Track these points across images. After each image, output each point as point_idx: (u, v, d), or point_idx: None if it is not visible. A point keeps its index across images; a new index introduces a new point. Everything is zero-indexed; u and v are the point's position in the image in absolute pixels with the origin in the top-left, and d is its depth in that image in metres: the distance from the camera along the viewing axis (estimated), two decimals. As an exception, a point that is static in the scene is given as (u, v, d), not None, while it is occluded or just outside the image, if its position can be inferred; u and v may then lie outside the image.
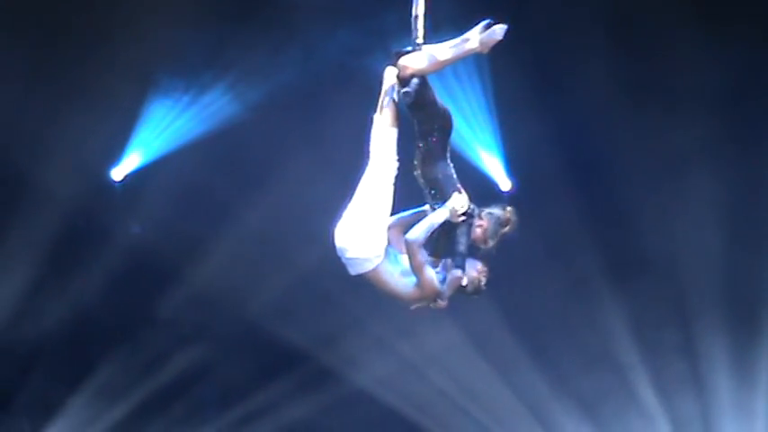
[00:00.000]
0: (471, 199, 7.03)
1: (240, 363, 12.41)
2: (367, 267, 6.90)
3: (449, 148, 7.03)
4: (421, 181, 7.06)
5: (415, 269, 6.94)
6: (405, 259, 6.99)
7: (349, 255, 6.92)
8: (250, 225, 12.17)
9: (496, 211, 7.17)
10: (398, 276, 6.97)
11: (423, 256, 6.92)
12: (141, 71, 11.90)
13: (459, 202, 7.02)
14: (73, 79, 11.52)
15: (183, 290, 12.32)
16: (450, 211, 6.95)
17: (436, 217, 6.92)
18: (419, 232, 6.84)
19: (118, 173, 12.07)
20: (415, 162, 7.06)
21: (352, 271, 6.96)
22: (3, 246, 12.06)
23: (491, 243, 7.09)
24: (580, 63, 11.95)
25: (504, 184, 12.23)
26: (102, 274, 12.14)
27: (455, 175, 7.00)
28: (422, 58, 7.03)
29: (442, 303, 7.06)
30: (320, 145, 11.96)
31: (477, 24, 6.97)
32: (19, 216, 12.01)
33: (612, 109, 11.96)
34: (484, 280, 7.16)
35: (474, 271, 7.10)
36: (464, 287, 7.09)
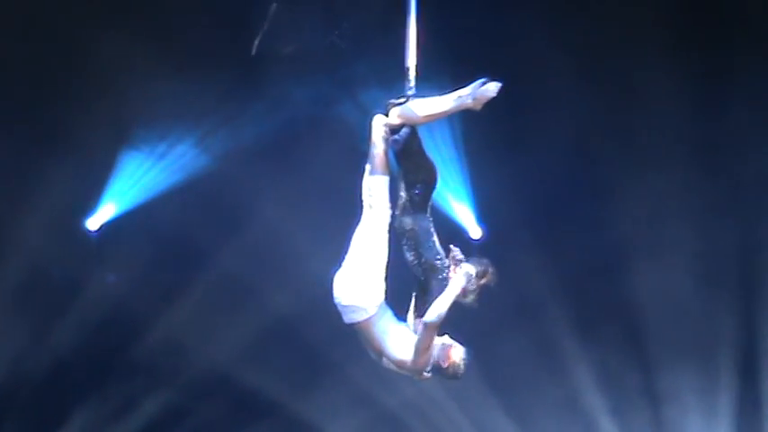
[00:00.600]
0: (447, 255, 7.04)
1: (213, 409, 12.40)
2: (360, 317, 6.94)
3: (430, 203, 7.12)
4: (398, 230, 7.15)
5: (423, 348, 6.97)
6: (403, 329, 7.06)
7: (344, 302, 6.96)
8: (223, 272, 12.25)
9: (471, 266, 7.22)
10: (391, 338, 7.00)
11: (433, 337, 6.99)
12: (114, 124, 12.04)
13: (467, 271, 7.05)
14: (46, 131, 11.67)
15: (157, 336, 12.36)
16: (465, 281, 6.99)
17: (450, 293, 6.94)
18: (440, 312, 6.87)
19: (93, 223, 12.18)
20: (396, 212, 7.16)
21: (346, 319, 7.01)
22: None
23: (471, 297, 7.14)
24: (550, 111, 12.12)
25: (475, 232, 12.40)
26: (77, 323, 12.18)
27: (432, 229, 7.09)
28: (415, 108, 7.16)
29: (427, 376, 7.12)
30: (291, 192, 12.09)
31: (472, 82, 7.13)
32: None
33: (582, 157, 12.15)
34: (462, 364, 7.15)
35: (453, 356, 7.09)
36: (445, 369, 7.10)
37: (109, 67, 11.69)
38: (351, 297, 6.98)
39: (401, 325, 7.09)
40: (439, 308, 6.77)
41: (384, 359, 7.12)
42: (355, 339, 7.08)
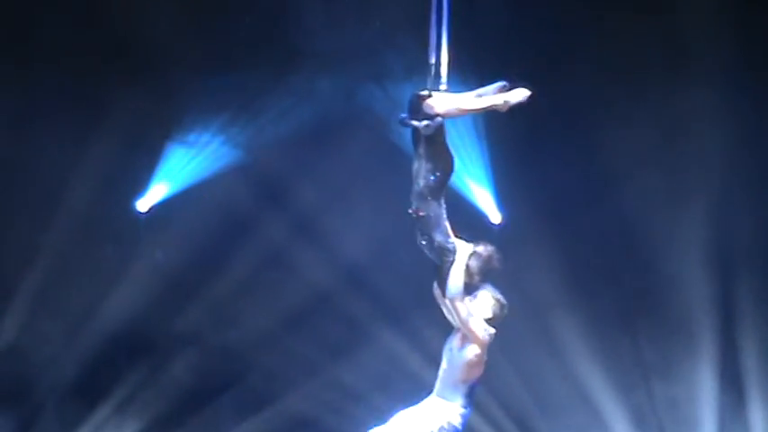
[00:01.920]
0: (458, 236, 7.58)
1: (257, 376, 13.25)
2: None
3: (445, 191, 7.59)
4: (413, 216, 7.59)
5: (463, 322, 7.59)
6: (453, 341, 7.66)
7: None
8: (266, 248, 13.00)
9: (478, 248, 7.77)
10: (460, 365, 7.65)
11: (466, 305, 7.57)
12: (165, 114, 12.85)
13: (465, 249, 7.59)
14: (106, 121, 12.55)
15: (204, 309, 13.16)
16: (468, 256, 7.54)
17: (457, 269, 7.50)
18: (456, 284, 7.46)
19: (142, 204, 13.00)
20: (411, 198, 7.58)
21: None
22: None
23: (476, 279, 7.68)
24: (569, 107, 12.75)
25: (495, 217, 13.06)
26: (127, 297, 13.02)
27: (445, 215, 7.56)
28: (450, 101, 7.70)
29: (491, 331, 7.65)
30: (328, 178, 12.89)
31: (493, 83, 7.72)
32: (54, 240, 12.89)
33: (596, 148, 12.78)
34: (500, 297, 7.75)
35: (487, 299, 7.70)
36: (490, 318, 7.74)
37: (162, 62, 12.55)
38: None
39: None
40: (453, 282, 7.37)
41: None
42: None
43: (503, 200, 13.22)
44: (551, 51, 12.49)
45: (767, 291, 12.87)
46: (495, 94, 7.80)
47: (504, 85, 7.73)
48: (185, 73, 12.78)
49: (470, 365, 7.78)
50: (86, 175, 12.76)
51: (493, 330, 7.68)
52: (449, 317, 7.74)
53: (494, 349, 12.56)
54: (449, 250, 7.58)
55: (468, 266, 7.64)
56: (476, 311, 7.66)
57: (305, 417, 13.28)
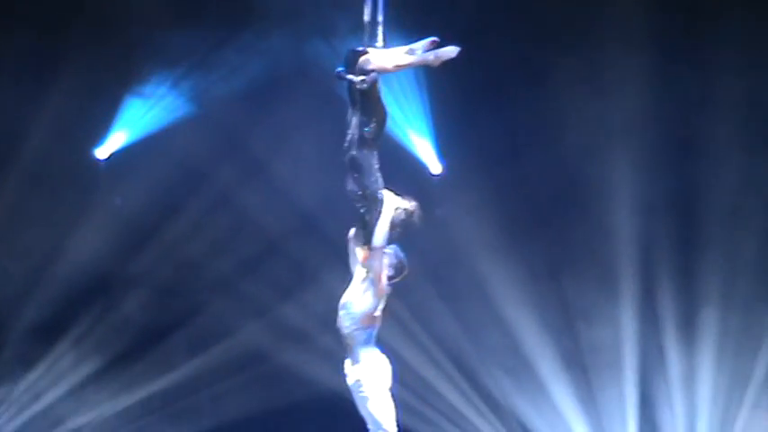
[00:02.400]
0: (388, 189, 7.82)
1: (213, 315, 13.90)
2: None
3: (378, 142, 7.88)
4: (348, 164, 7.91)
5: (377, 272, 7.79)
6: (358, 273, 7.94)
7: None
8: (219, 194, 13.73)
9: (403, 201, 8.03)
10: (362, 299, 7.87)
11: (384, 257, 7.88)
12: (122, 67, 13.50)
13: (393, 201, 7.82)
14: (68, 74, 13.11)
15: (162, 250, 13.83)
16: (394, 210, 7.77)
17: (385, 219, 7.72)
18: (382, 234, 7.68)
19: (102, 152, 13.73)
20: (345, 146, 7.89)
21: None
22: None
23: (397, 231, 7.92)
24: (508, 58, 13.40)
25: (435, 167, 13.79)
26: (87, 239, 13.64)
27: (377, 165, 7.82)
28: (386, 58, 7.91)
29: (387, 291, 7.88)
30: (277, 128, 13.49)
31: (424, 39, 7.91)
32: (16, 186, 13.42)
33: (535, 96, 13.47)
34: (403, 259, 8.01)
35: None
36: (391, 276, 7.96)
37: (124, 17, 13.16)
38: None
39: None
40: (380, 232, 7.63)
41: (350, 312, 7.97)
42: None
43: (442, 151, 13.87)
44: (488, 10, 13.06)
45: (684, 239, 13.54)
46: (425, 49, 8.06)
47: (434, 41, 7.99)
48: (142, 28, 13.36)
49: (370, 316, 8.08)
50: (46, 124, 13.34)
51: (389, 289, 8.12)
52: (352, 266, 8.11)
53: (432, 294, 13.53)
54: (378, 200, 7.89)
55: (392, 218, 7.96)
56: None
57: (254, 353, 13.92)
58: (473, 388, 14.01)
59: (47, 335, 13.78)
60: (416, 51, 8.06)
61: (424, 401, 13.87)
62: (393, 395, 8.26)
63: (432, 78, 13.18)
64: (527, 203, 13.88)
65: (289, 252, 13.65)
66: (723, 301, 13.62)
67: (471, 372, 13.99)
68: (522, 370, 13.98)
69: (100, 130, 13.81)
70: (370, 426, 8.23)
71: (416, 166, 13.72)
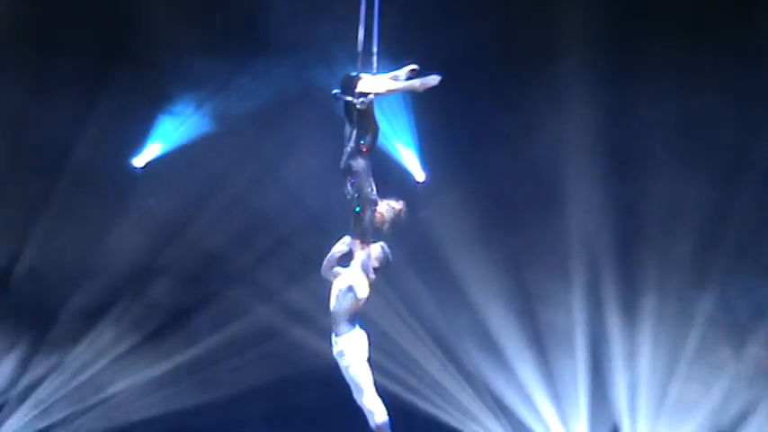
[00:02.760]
0: (378, 193, 8.76)
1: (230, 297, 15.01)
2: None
3: (371, 153, 8.77)
4: (345, 175, 8.72)
5: (365, 263, 8.75)
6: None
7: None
8: (236, 196, 14.88)
9: (391, 202, 8.95)
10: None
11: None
12: (156, 90, 14.72)
13: (384, 201, 8.78)
14: (110, 96, 14.40)
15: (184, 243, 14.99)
16: (384, 207, 8.75)
17: (378, 214, 8.71)
18: (375, 229, 8.75)
19: (139, 161, 14.92)
20: (344, 156, 8.74)
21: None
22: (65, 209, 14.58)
23: (387, 226, 8.89)
24: (479, 86, 14.40)
25: (419, 175, 14.92)
26: (128, 234, 14.81)
27: (370, 171, 8.70)
28: (379, 83, 8.78)
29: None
30: (285, 142, 14.68)
31: (405, 66, 8.83)
32: (66, 190, 14.60)
33: (504, 110, 14.55)
34: (389, 254, 8.95)
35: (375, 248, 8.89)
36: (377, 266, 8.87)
37: (149, 44, 14.32)
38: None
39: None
40: (373, 227, 8.72)
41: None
42: (330, 248, 9.02)
43: (426, 161, 15.03)
44: (465, 43, 14.06)
45: (627, 236, 14.51)
46: (407, 75, 8.83)
47: (414, 69, 8.86)
48: (172, 57, 14.53)
49: (358, 302, 8.96)
50: (92, 138, 14.51)
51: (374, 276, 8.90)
52: (327, 270, 9.05)
53: (416, 281, 14.65)
54: (371, 201, 8.75)
55: (382, 215, 8.82)
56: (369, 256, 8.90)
57: (265, 331, 15.02)
58: (450, 360, 15.03)
59: (91, 315, 14.95)
60: (399, 77, 8.93)
61: (409, 372, 14.85)
62: (371, 363, 9.19)
63: (417, 100, 14.11)
64: (496, 206, 14.85)
65: (296, 246, 14.62)
66: (660, 289, 14.50)
67: (448, 347, 15.02)
68: (491, 346, 14.91)
69: (137, 143, 14.92)
70: (352, 388, 9.16)
71: (404, 175, 14.82)
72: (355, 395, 9.22)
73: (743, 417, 14.61)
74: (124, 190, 15.13)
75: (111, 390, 15.20)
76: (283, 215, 15.01)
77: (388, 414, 9.27)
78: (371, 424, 9.22)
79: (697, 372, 14.79)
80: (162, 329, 15.25)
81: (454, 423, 15.08)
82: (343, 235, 8.93)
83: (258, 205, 15.00)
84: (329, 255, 9.05)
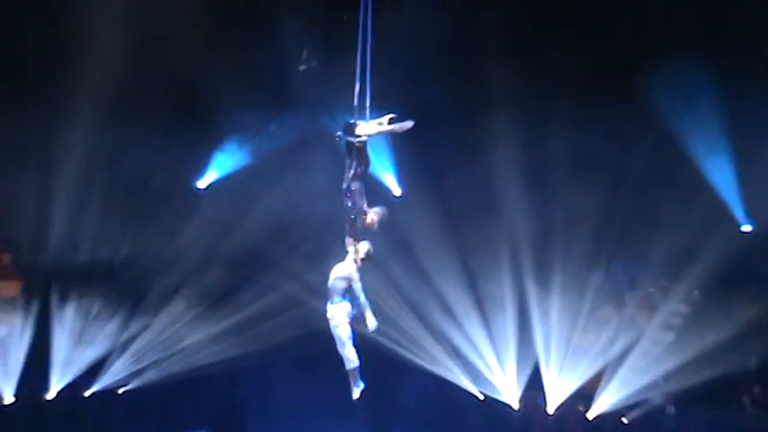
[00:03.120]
0: (369, 205, 10.29)
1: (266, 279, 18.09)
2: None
3: (365, 177, 10.43)
4: (345, 193, 10.24)
5: (356, 257, 10.42)
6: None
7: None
8: (269, 208, 17.93)
9: (378, 209, 10.59)
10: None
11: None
12: (214, 133, 17.89)
13: (378, 211, 10.30)
14: (183, 135, 17.21)
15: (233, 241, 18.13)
16: (377, 215, 10.26)
17: (369, 220, 10.12)
18: (368, 231, 10.07)
19: (202, 183, 18.21)
20: (344, 183, 10.30)
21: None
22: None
23: (376, 227, 10.51)
24: (442, 126, 17.11)
25: (396, 191, 18.04)
26: (193, 236, 17.90)
27: (364, 190, 10.30)
28: (369, 127, 10.36)
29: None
30: (303, 169, 17.48)
31: (386, 114, 10.41)
32: (152, 204, 17.38)
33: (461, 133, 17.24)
34: (371, 249, 10.48)
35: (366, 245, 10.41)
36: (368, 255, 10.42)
37: (208, 101, 17.00)
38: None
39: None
40: (366, 229, 10.15)
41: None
42: (336, 244, 10.44)
43: (402, 180, 18.06)
44: (428, 96, 16.37)
45: (544, 235, 17.43)
46: (388, 120, 10.47)
47: (393, 117, 10.50)
48: (223, 110, 17.47)
49: (348, 283, 10.61)
50: (168, 167, 17.65)
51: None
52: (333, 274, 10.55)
53: (397, 267, 17.42)
54: (364, 211, 10.45)
55: (372, 219, 10.47)
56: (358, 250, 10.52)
57: (292, 302, 17.91)
58: (419, 320, 18.28)
59: (168, 293, 18.11)
60: (383, 122, 10.54)
61: (391, 328, 17.72)
62: (352, 327, 10.75)
63: (395, 138, 16.51)
64: (451, 213, 17.93)
65: (312, 241, 17.42)
66: (564, 268, 17.66)
67: (418, 311, 18.25)
68: (447, 309, 18.06)
69: (200, 171, 18.10)
70: (336, 342, 10.86)
71: (386, 191, 17.75)
72: (338, 347, 10.94)
73: (622, 356, 17.71)
74: (191, 204, 18.22)
75: (185, 343, 18.20)
76: (302, 220, 17.82)
77: (360, 361, 10.98)
78: (347, 367, 11.05)
79: (591, 325, 17.86)
80: (217, 302, 18.43)
81: (423, 363, 18.32)
82: (344, 234, 10.47)
83: (284, 213, 17.91)
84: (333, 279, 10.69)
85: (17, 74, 15.99)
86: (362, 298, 10.60)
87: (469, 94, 17.53)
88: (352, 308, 10.71)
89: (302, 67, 17.34)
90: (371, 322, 10.60)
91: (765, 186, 16.94)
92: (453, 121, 17.75)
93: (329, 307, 10.81)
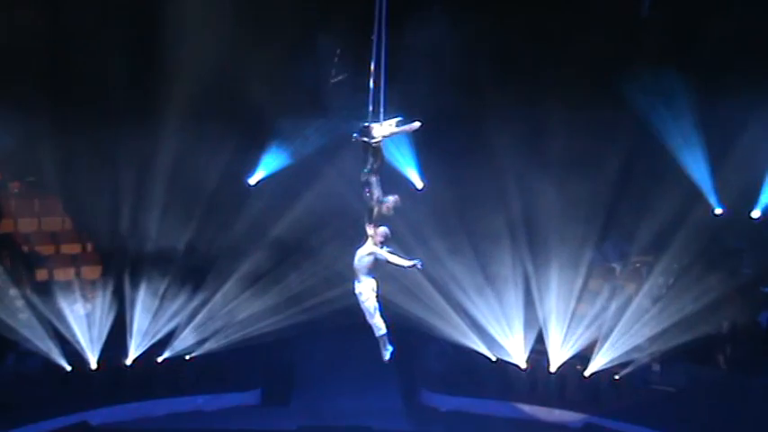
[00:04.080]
0: (385, 194, 11.01)
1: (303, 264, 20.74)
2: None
3: (381, 172, 11.10)
4: (364, 186, 10.95)
5: (376, 240, 11.01)
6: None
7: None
8: (304, 200, 20.44)
9: (393, 198, 11.21)
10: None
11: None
12: (262, 138, 20.65)
13: (395, 199, 10.97)
14: (233, 140, 19.91)
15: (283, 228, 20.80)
16: (393, 203, 10.87)
17: (387, 208, 10.72)
18: (386, 216, 10.65)
19: (253, 180, 20.86)
20: (362, 178, 11.03)
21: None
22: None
23: (392, 213, 11.17)
24: (457, 129, 19.62)
25: (419, 184, 20.51)
26: (244, 225, 20.54)
27: (380, 184, 10.98)
28: (384, 129, 11.10)
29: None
30: (335, 167, 19.60)
31: (393, 118, 11.14)
32: (211, 199, 20.11)
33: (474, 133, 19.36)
34: (389, 233, 11.13)
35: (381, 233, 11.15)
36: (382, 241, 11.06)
37: (255, 109, 19.76)
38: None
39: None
40: (383, 215, 10.73)
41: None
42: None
43: (423, 175, 20.39)
44: (437, 101, 18.26)
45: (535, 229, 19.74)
46: (397, 123, 11.07)
47: (399, 119, 11.07)
48: (269, 117, 20.24)
49: (373, 263, 11.26)
50: (225, 168, 20.49)
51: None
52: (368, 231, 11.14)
53: (416, 247, 18.44)
54: (381, 201, 11.12)
55: (388, 207, 11.10)
56: (378, 234, 11.13)
57: (331, 280, 19.80)
58: (440, 295, 20.29)
59: (225, 273, 20.84)
60: (393, 124, 11.18)
61: (416, 303, 19.82)
62: (379, 302, 11.34)
63: (417, 139, 19.16)
64: (466, 204, 20.32)
65: (346, 231, 18.09)
66: (561, 247, 20.00)
67: (439, 288, 20.28)
68: (463, 288, 20.29)
69: (250, 170, 20.96)
70: (365, 314, 11.49)
71: (408, 184, 20.22)
72: (367, 318, 11.60)
73: (614, 322, 19.87)
74: (243, 198, 21.06)
75: (240, 316, 20.59)
76: (329, 210, 20.24)
77: (387, 329, 11.56)
78: (376, 334, 11.68)
79: (585, 296, 20.08)
80: (265, 282, 21.17)
81: (443, 331, 20.28)
82: (364, 221, 11.07)
83: (315, 204, 20.56)
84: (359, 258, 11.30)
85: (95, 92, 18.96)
86: (391, 258, 11.27)
87: (477, 99, 20.13)
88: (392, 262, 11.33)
89: (334, 80, 19.90)
90: (410, 263, 11.19)
91: (734, 175, 19.38)
92: (464, 123, 20.45)
93: (356, 285, 11.63)
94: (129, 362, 20.14)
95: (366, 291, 11.53)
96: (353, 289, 11.58)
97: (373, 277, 11.48)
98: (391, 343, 11.92)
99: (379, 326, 11.58)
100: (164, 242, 20.70)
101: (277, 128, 20.76)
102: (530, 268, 20.45)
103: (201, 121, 19.68)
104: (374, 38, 11.39)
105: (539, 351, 20.25)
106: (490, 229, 20.36)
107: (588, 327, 20.05)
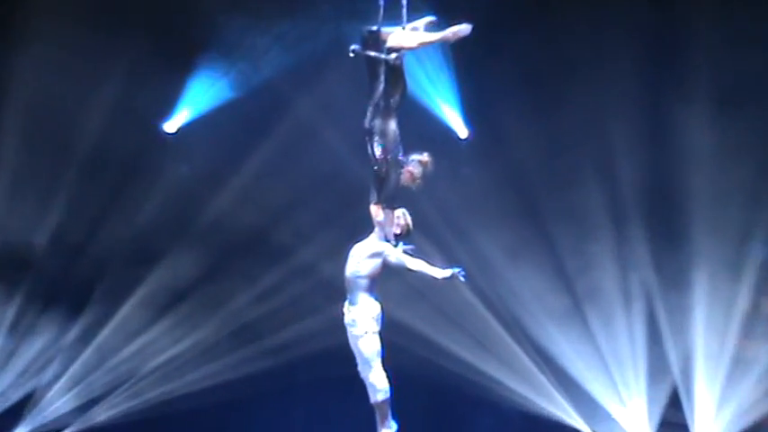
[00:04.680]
0: (408, 151, 8.84)
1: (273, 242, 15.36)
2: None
3: (398, 111, 8.81)
4: (372, 131, 8.77)
5: (384, 227, 8.94)
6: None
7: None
8: (271, 145, 14.99)
9: (419, 157, 9.00)
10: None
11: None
12: (188, 54, 14.91)
13: (420, 160, 8.89)
14: (143, 63, 14.56)
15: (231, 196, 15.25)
16: (419, 168, 8.87)
17: (406, 176, 8.81)
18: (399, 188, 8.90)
19: (170, 126, 15.14)
20: (366, 122, 8.79)
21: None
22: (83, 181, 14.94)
23: (419, 182, 8.96)
24: (523, 28, 14.65)
25: (462, 132, 15.15)
26: (157, 200, 15.05)
27: (398, 132, 8.79)
28: (409, 37, 8.85)
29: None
30: (318, 93, 14.76)
31: (422, 18, 8.89)
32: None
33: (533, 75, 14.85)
34: (410, 222, 9.15)
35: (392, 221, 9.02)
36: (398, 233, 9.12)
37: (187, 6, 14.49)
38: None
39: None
40: (398, 188, 8.82)
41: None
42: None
43: (469, 118, 15.19)
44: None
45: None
46: (424, 26, 8.97)
47: (432, 21, 9.00)
48: (198, 11, 14.65)
49: (379, 271, 9.12)
50: (124, 108, 14.84)
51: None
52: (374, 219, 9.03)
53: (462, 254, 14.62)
54: (399, 163, 8.90)
55: (411, 173, 8.96)
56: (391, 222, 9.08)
57: (307, 269, 15.17)
58: (497, 322, 15.31)
59: (123, 287, 15.36)
60: (418, 28, 9.01)
61: (450, 336, 15.18)
62: (381, 338, 9.25)
63: (462, 51, 14.00)
64: (531, 167, 15.21)
65: (325, 216, 15.04)
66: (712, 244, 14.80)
67: (493, 309, 15.33)
68: (533, 310, 15.47)
69: (168, 106, 15.25)
70: (358, 360, 9.27)
71: (446, 131, 15.07)
72: (360, 367, 9.27)
73: None
74: (154, 157, 15.51)
75: (153, 362, 15.75)
76: (319, 160, 15.33)
77: (392, 389, 9.30)
78: (371, 399, 9.32)
79: (756, 325, 15.12)
80: (197, 303, 15.91)
81: (503, 389, 15.41)
82: (368, 198, 8.96)
83: (296, 153, 15.47)
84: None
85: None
86: (413, 263, 9.05)
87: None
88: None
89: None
90: (446, 272, 8.98)
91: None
92: (542, 26, 15.28)
93: (350, 308, 9.16)
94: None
95: (363, 320, 9.04)
96: (342, 316, 9.16)
97: (376, 299, 9.10)
98: (396, 417, 9.57)
99: (376, 384, 9.15)
100: (12, 235, 15.60)
101: (214, 33, 15.29)
102: (654, 279, 15.39)
103: (80, 25, 14.79)
104: None
105: (674, 425, 15.42)
106: (584, 210, 15.46)
107: (762, 380, 15.11)
